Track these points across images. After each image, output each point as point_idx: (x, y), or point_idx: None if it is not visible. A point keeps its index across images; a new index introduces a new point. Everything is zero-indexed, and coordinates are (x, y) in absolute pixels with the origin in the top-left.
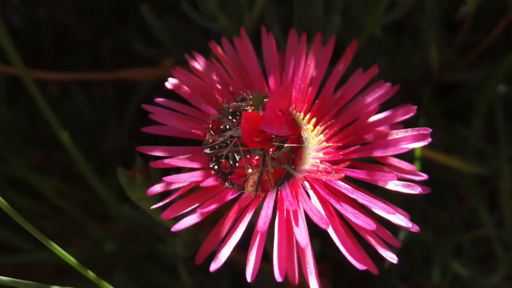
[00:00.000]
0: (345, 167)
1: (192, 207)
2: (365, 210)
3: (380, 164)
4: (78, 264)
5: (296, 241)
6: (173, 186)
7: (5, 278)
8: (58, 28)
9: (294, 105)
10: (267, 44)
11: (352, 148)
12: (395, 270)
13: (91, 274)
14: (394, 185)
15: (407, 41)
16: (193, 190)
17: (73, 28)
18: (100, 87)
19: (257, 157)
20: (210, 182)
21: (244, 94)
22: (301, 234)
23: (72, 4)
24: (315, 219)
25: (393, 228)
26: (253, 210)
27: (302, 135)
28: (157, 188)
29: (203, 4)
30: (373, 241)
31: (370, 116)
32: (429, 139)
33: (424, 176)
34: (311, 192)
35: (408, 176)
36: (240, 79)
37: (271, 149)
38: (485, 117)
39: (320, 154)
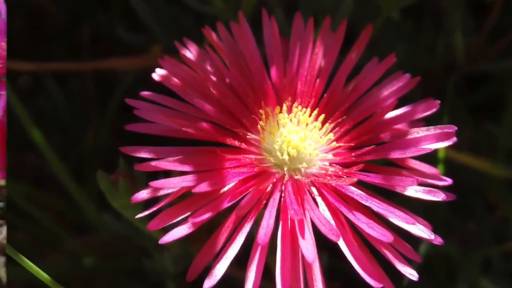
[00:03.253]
0: (358, 170)
1: (183, 216)
2: (381, 220)
3: (398, 167)
4: (52, 281)
5: (302, 255)
6: (162, 192)
7: None
8: (31, 12)
9: (299, 100)
10: (269, 29)
11: (366, 149)
12: None
13: None
14: (414, 191)
15: (428, 26)
16: (184, 196)
17: (48, 12)
18: (78, 79)
19: None
20: (203, 187)
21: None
22: (308, 247)
23: None
24: (323, 229)
25: (413, 240)
26: (252, 220)
27: None
28: (143, 194)
29: None
30: (390, 255)
31: (386, 112)
32: (454, 138)
33: (448, 181)
34: (319, 199)
35: (430, 181)
36: (237, 69)
37: None
38: None
39: (330, 156)
